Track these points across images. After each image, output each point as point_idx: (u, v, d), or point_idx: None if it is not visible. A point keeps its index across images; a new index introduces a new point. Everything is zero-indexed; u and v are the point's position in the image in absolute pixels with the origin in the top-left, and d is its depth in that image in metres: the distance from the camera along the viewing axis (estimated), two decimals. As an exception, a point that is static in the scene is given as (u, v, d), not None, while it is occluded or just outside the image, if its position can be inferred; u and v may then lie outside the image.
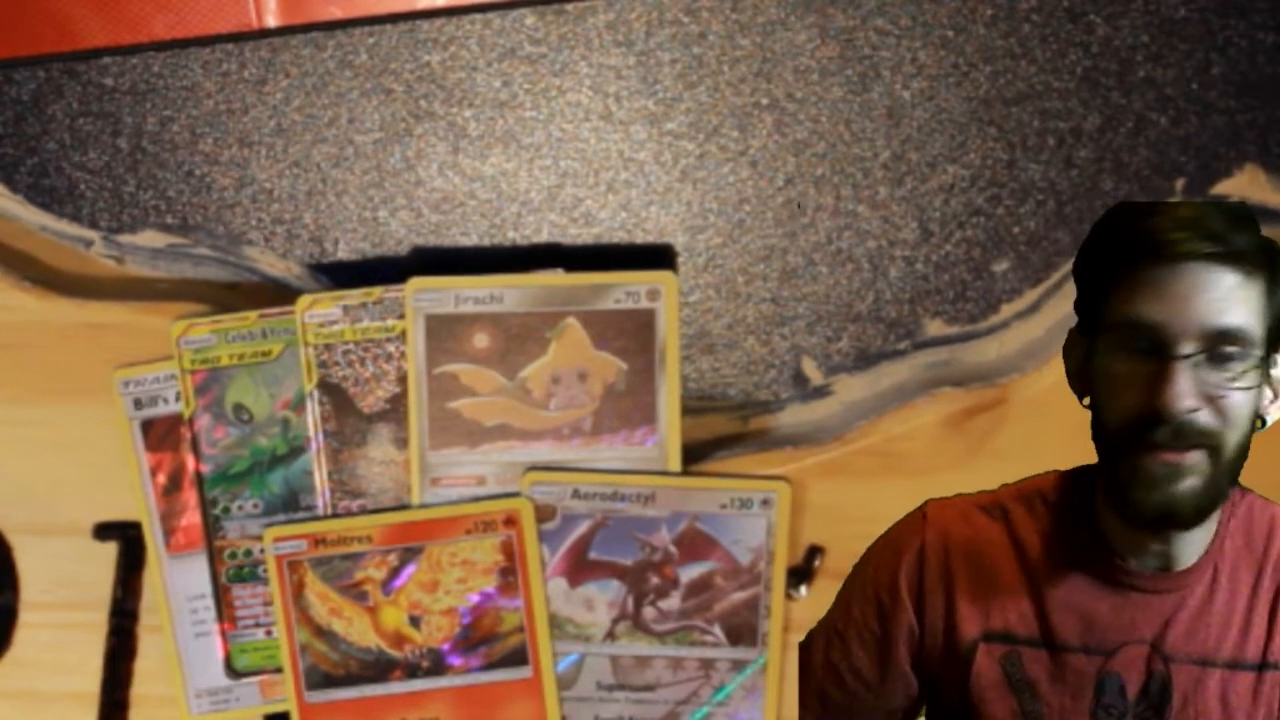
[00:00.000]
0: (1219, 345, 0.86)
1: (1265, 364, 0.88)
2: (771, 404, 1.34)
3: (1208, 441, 0.87)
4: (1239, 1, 1.33)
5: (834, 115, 1.33)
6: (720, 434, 1.34)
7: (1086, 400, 0.92)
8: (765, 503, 1.30)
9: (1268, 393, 0.89)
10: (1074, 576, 0.93)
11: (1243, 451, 0.89)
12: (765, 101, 1.33)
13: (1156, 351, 0.87)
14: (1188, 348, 0.86)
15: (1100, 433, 0.89)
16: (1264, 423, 0.90)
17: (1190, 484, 0.88)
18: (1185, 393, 0.86)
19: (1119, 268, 0.88)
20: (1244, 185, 1.33)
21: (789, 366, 1.34)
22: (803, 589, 1.32)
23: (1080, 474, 0.96)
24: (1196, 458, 0.87)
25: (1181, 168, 1.33)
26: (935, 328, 1.34)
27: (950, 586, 0.95)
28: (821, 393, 1.34)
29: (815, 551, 1.32)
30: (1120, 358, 0.88)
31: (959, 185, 1.34)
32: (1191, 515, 0.88)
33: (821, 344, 1.34)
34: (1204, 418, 0.87)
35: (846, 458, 1.32)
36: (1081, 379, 0.92)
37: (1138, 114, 1.34)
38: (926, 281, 1.34)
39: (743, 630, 1.31)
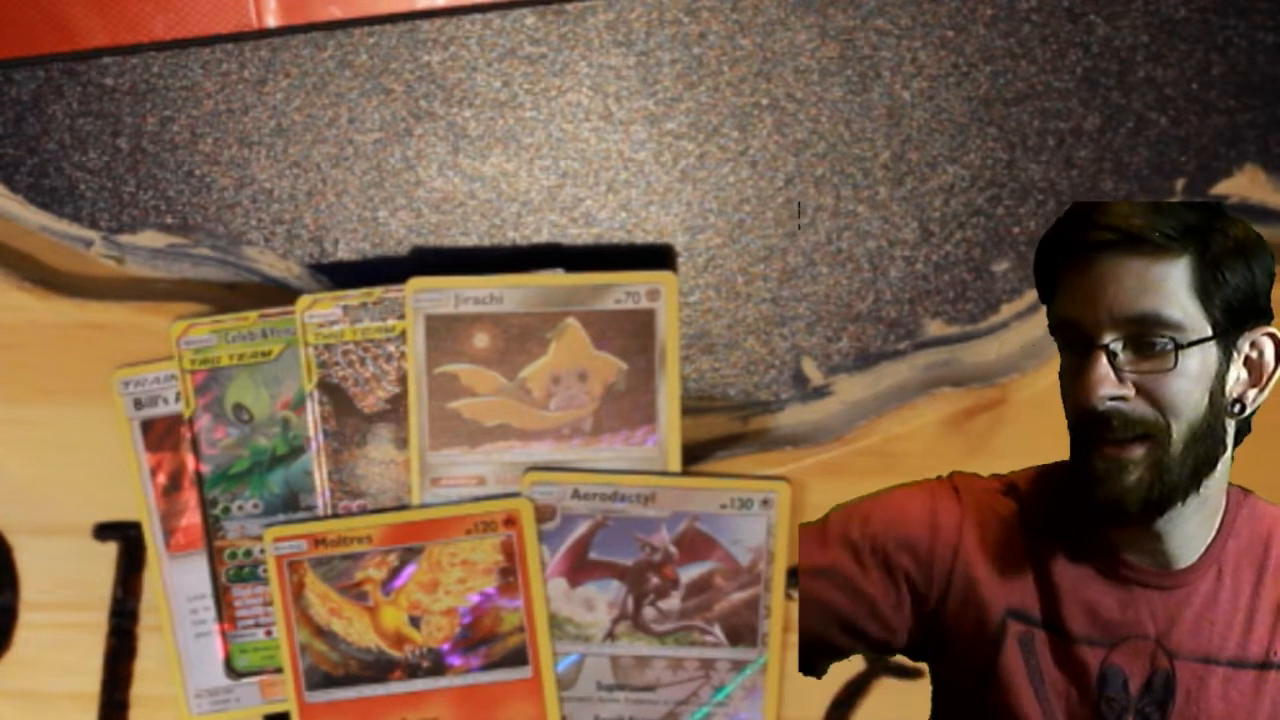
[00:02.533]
0: (1140, 332, 0.86)
1: (1225, 347, 0.88)
2: (771, 404, 1.34)
3: (1146, 432, 0.87)
4: (1239, 1, 1.33)
5: (834, 115, 1.33)
6: (720, 434, 1.34)
7: None
8: (765, 503, 1.30)
9: (1243, 376, 0.89)
10: (1081, 568, 0.93)
11: (1200, 439, 0.88)
12: (765, 101, 1.33)
13: (1082, 346, 0.87)
14: (1106, 337, 0.86)
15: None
16: (1242, 407, 0.89)
17: (1135, 477, 0.87)
18: (1101, 381, 0.86)
19: (1049, 273, 0.90)
20: (1244, 185, 1.34)
21: (789, 366, 1.35)
22: (803, 589, 1.32)
23: None
24: (1137, 451, 0.87)
25: (1181, 168, 1.34)
26: (935, 328, 1.34)
27: (980, 565, 0.93)
28: (821, 393, 1.35)
29: (815, 551, 1.32)
30: (1064, 359, 0.90)
31: (959, 185, 1.34)
32: (1138, 509, 0.88)
33: (821, 344, 1.34)
34: (1137, 408, 0.87)
35: (846, 458, 1.32)
36: None
37: (1138, 114, 1.34)
38: (926, 281, 1.34)
39: (743, 630, 1.31)
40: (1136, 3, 1.33)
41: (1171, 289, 0.87)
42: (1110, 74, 1.33)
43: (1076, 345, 0.88)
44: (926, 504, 0.93)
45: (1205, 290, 0.87)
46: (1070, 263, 0.88)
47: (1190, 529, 0.91)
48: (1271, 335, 0.89)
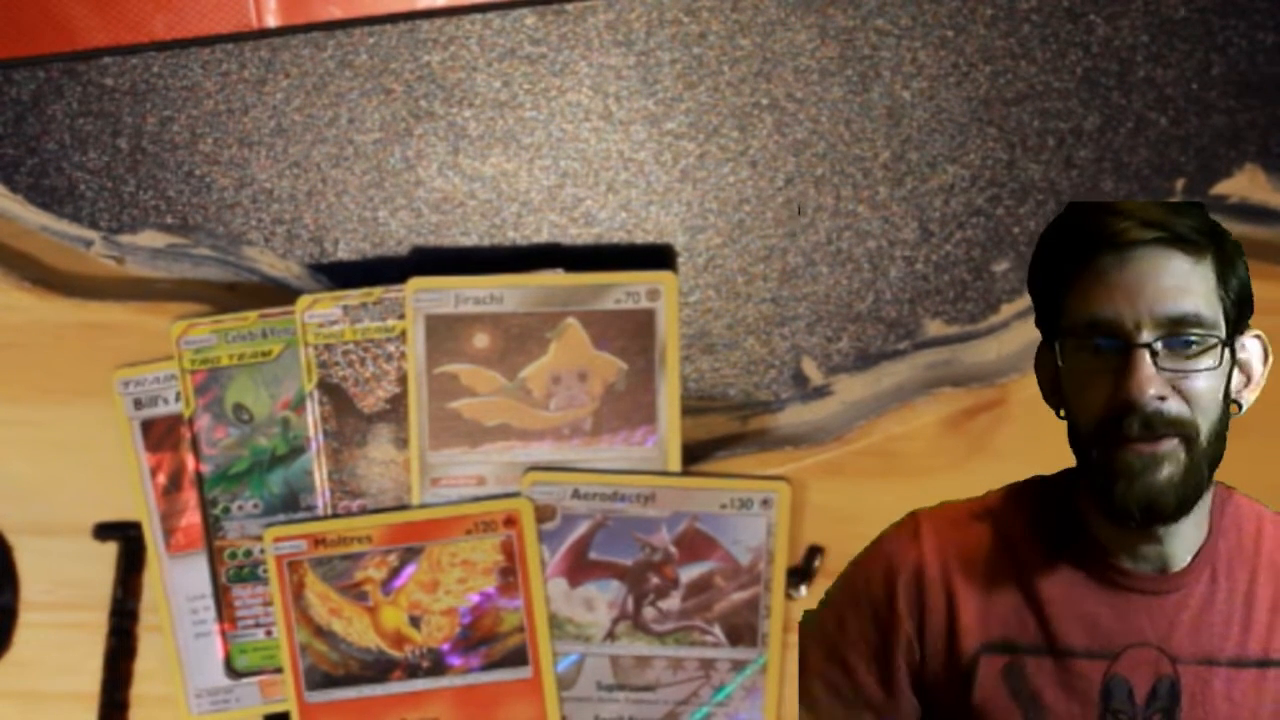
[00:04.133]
0: (1177, 331, 0.87)
1: (1230, 347, 0.89)
2: (771, 404, 1.34)
3: (1180, 430, 0.87)
4: (1239, 1, 1.33)
5: (834, 115, 1.34)
6: (720, 434, 1.34)
7: (1063, 412, 0.92)
8: (765, 503, 1.30)
9: (1238, 377, 0.90)
10: (1073, 580, 0.92)
11: (1218, 438, 0.89)
12: (765, 101, 1.33)
13: (1117, 344, 0.87)
14: (1146, 336, 0.87)
15: (1076, 438, 0.90)
16: (1240, 407, 0.90)
17: (1168, 473, 0.88)
18: (1150, 380, 0.86)
19: (1070, 268, 0.89)
20: (1244, 185, 1.34)
21: (789, 366, 1.35)
22: (803, 589, 1.32)
23: (1068, 476, 0.95)
24: (1170, 446, 0.87)
25: (1181, 168, 1.34)
26: (935, 328, 1.34)
27: (951, 600, 0.93)
28: (821, 393, 1.35)
29: (815, 551, 1.32)
30: (1084, 357, 0.89)
31: (959, 185, 1.34)
32: (1174, 505, 0.88)
33: (821, 344, 1.34)
34: (1173, 406, 0.87)
35: (846, 458, 1.32)
36: (1054, 392, 0.93)
37: (1138, 114, 1.34)
38: (926, 281, 1.34)
39: (743, 630, 1.31)
40: (1136, 3, 1.33)
41: (1205, 288, 0.88)
42: (1110, 74, 1.33)
43: (1108, 345, 0.87)
44: (885, 577, 0.93)
45: (1224, 288, 0.89)
46: (1096, 261, 0.87)
47: (1186, 529, 0.91)
48: (1257, 335, 0.90)
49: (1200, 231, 0.88)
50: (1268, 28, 1.33)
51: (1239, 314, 0.90)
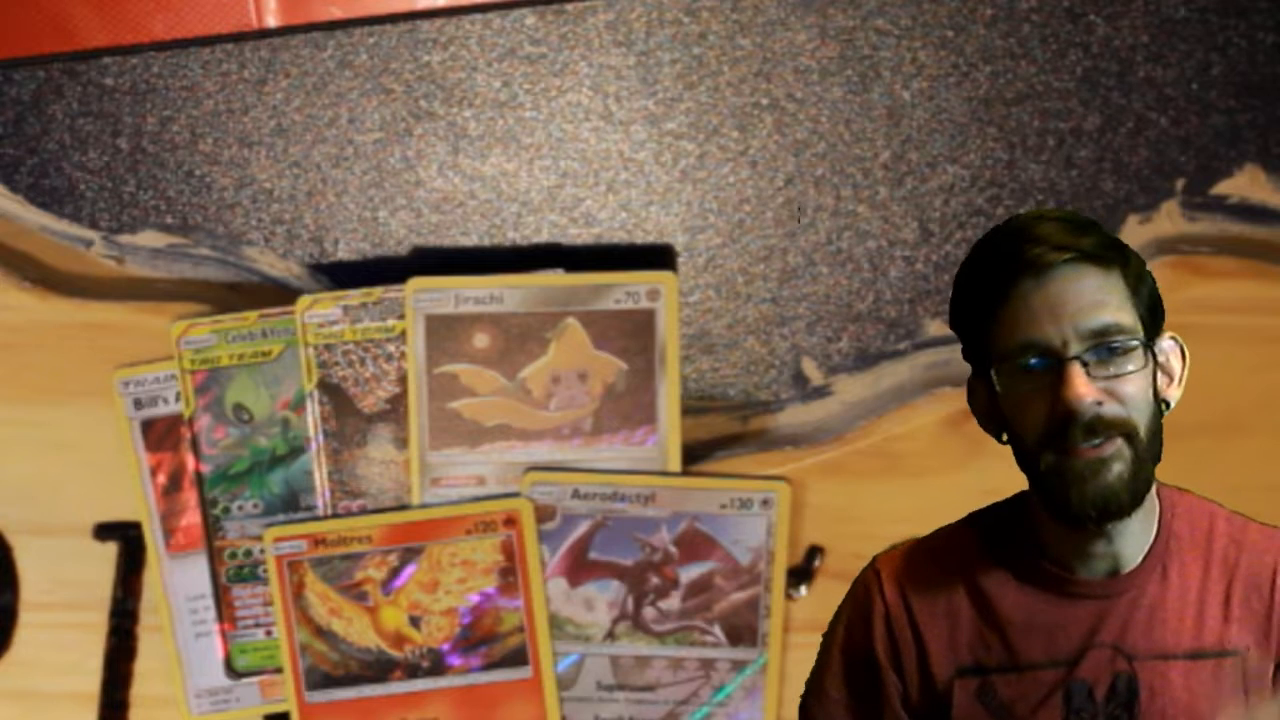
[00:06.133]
0: (1101, 341, 0.92)
1: (1150, 350, 0.94)
2: (771, 404, 1.35)
3: (1120, 430, 0.92)
4: (1239, 1, 1.33)
5: (834, 115, 1.34)
6: (720, 434, 1.34)
7: (1004, 436, 0.97)
8: (765, 503, 1.30)
9: (1162, 378, 0.95)
10: (1029, 597, 0.97)
11: (1155, 435, 0.94)
12: (765, 101, 1.33)
13: (1049, 362, 0.93)
14: (1075, 349, 0.92)
15: (1024, 456, 0.95)
16: (1168, 405, 0.95)
17: (1117, 471, 0.93)
18: (1086, 389, 0.91)
19: (992, 299, 0.94)
20: (1244, 185, 1.34)
21: (789, 366, 1.35)
22: (803, 589, 1.32)
23: (1017, 500, 0.99)
24: (1115, 447, 0.92)
25: (1181, 168, 1.34)
26: (935, 328, 1.34)
27: (919, 636, 0.98)
28: (821, 393, 1.35)
29: (815, 551, 1.32)
30: (1019, 379, 0.94)
31: (959, 185, 1.34)
32: (1127, 501, 0.93)
33: (821, 344, 1.34)
34: (1110, 409, 0.92)
35: (846, 458, 1.32)
36: (991, 418, 0.97)
37: (1138, 114, 1.34)
38: (926, 281, 1.34)
39: (743, 630, 1.31)
40: (1136, 3, 1.33)
41: (1119, 298, 0.93)
42: (1110, 74, 1.34)
43: (1041, 364, 0.92)
44: (860, 632, 0.99)
45: (1136, 297, 0.94)
46: (1016, 288, 0.93)
47: (1135, 527, 0.95)
48: (1173, 337, 0.95)
49: (1105, 246, 0.94)
50: (1268, 28, 1.33)
51: (1153, 319, 0.95)
